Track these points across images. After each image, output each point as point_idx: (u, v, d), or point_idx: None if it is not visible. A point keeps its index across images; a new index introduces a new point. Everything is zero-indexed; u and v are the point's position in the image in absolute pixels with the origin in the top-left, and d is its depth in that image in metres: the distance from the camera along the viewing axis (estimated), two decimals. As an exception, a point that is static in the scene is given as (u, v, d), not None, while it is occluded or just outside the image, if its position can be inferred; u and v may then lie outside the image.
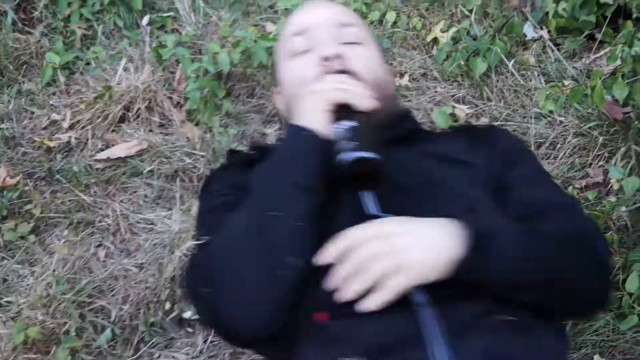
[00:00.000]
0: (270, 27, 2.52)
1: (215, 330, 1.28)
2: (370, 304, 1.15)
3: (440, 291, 1.17)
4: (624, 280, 1.70)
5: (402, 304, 1.16)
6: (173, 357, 1.78)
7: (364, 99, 1.32)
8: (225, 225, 1.26)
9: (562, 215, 1.35)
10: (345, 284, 1.16)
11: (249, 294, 1.18)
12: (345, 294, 1.16)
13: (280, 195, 1.23)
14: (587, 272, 1.29)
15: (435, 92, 2.32)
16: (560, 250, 1.27)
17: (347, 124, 1.25)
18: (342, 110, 1.28)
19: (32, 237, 2.01)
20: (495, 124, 2.19)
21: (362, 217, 1.24)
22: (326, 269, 1.19)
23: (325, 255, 1.19)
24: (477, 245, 1.18)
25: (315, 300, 1.21)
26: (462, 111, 2.22)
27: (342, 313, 1.17)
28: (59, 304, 1.82)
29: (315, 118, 1.28)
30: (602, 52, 2.29)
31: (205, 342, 1.78)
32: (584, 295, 1.30)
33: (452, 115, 2.21)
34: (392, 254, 1.16)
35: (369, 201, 1.30)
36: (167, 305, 1.89)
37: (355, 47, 1.51)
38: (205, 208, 1.49)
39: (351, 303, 1.16)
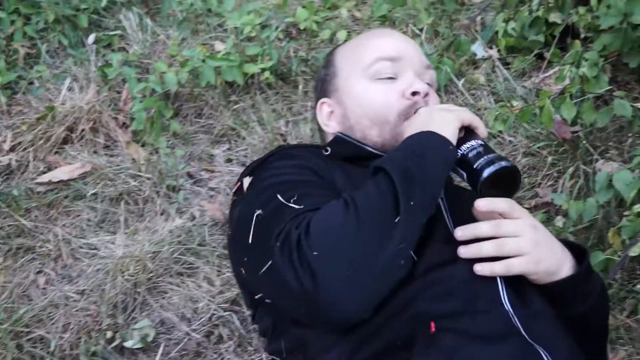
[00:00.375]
0: (219, 46, 2.48)
1: (301, 301, 1.17)
2: (486, 269, 1.23)
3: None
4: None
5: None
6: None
7: (482, 125, 1.38)
8: (356, 200, 1.19)
9: None
10: (479, 241, 1.24)
11: (366, 274, 1.14)
12: (473, 250, 1.24)
13: (417, 197, 1.19)
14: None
15: (386, 111, 2.29)
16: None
17: (477, 142, 1.31)
18: (465, 131, 1.35)
19: (-32, 265, 1.94)
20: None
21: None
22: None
23: (481, 204, 1.25)
24: (585, 272, 1.30)
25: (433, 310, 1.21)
26: (412, 131, 2.20)
27: (447, 327, 1.18)
28: (-4, 335, 1.76)
29: (448, 131, 1.29)
30: (550, 72, 2.29)
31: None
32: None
33: (403, 135, 2.19)
34: (533, 243, 1.25)
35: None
36: (109, 334, 1.83)
37: (432, 90, 1.55)
38: (296, 164, 1.40)
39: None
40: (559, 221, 1.90)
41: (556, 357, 1.16)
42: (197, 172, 2.21)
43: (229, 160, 2.24)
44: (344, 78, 1.57)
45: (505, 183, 1.28)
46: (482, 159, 1.27)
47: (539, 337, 1.18)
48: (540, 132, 2.12)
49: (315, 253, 1.13)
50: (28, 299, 1.91)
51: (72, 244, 2.02)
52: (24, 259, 1.99)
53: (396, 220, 1.15)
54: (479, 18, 2.47)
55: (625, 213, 1.71)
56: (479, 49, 2.37)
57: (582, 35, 2.28)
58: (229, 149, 2.27)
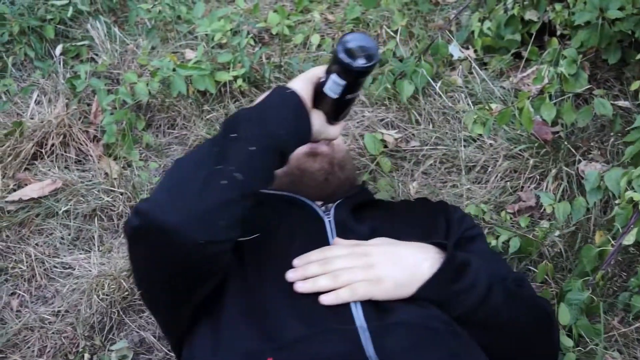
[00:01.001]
0: (189, 54, 2.43)
1: (152, 235, 1.24)
2: (331, 297, 1.26)
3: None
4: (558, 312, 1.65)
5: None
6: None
7: None
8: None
9: (529, 286, 1.50)
10: (311, 278, 1.29)
11: (184, 190, 1.21)
12: (309, 286, 1.28)
13: (242, 131, 1.26)
14: (541, 344, 1.43)
15: (363, 116, 2.25)
16: (527, 312, 1.40)
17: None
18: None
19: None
20: (425, 148, 2.14)
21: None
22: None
23: (300, 260, 1.32)
24: (453, 269, 1.30)
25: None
26: (392, 137, 2.16)
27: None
28: (-32, 362, 1.70)
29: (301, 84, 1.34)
30: (529, 71, 2.26)
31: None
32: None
33: (382, 140, 2.15)
34: (366, 267, 1.29)
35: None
36: (87, 357, 1.78)
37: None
38: None
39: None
40: (545, 224, 1.88)
41: None
42: (172, 184, 2.15)
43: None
44: None
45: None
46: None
47: (391, 351, 1.18)
48: (520, 134, 2.09)
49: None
50: (2, 322, 1.85)
51: (46, 263, 1.97)
52: (-5, 281, 1.93)
53: (216, 149, 1.24)
54: (453, 18, 2.43)
55: (616, 202, 1.70)
56: (455, 50, 2.34)
57: (559, 33, 2.25)
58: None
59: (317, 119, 1.36)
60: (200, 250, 1.20)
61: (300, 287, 1.29)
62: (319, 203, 1.56)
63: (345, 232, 1.44)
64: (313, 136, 1.36)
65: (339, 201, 1.56)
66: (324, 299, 1.26)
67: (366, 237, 1.42)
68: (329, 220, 1.48)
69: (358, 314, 1.25)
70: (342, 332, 1.22)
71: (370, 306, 1.27)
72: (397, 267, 1.30)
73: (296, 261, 1.33)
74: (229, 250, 1.27)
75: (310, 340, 1.20)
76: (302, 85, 1.34)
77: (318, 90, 1.35)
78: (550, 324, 1.44)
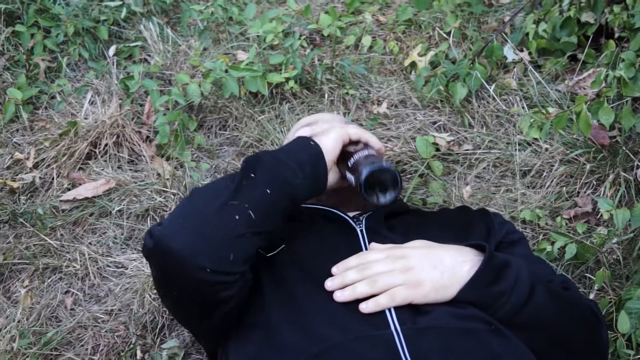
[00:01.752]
0: (241, 55, 2.43)
1: (152, 264, 1.36)
2: (371, 305, 1.26)
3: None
4: (617, 320, 1.62)
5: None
6: None
7: (374, 138, 1.55)
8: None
9: (575, 288, 1.47)
10: (350, 286, 1.29)
11: (196, 220, 1.27)
12: (348, 294, 1.28)
13: (259, 172, 1.34)
14: (590, 350, 1.39)
15: (415, 119, 2.24)
16: (573, 312, 1.37)
17: (366, 152, 1.48)
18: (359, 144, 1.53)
19: (-6, 287, 1.90)
20: (479, 151, 2.11)
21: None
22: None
23: (338, 268, 1.33)
24: (493, 270, 1.28)
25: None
26: (444, 140, 2.14)
27: None
28: (25, 359, 1.72)
29: (327, 141, 1.44)
30: (585, 74, 2.22)
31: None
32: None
33: (434, 144, 2.13)
34: (404, 270, 1.29)
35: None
36: (139, 354, 1.79)
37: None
38: None
39: None
40: (602, 231, 1.84)
41: None
42: (223, 185, 2.16)
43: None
44: None
45: (386, 184, 1.42)
46: (365, 163, 1.41)
47: (425, 355, 1.18)
48: (577, 138, 2.05)
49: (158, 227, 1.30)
50: (56, 320, 1.88)
51: (99, 262, 1.99)
52: (50, 279, 1.95)
53: (233, 185, 1.30)
54: (508, 20, 2.40)
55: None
56: (509, 52, 2.31)
57: (617, 35, 2.21)
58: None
59: (335, 175, 1.48)
60: (207, 278, 1.25)
61: (340, 296, 1.29)
62: (351, 214, 1.56)
63: (377, 239, 1.44)
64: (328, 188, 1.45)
65: (370, 212, 1.57)
66: (363, 308, 1.27)
67: (399, 242, 1.42)
68: (361, 230, 1.49)
69: (392, 317, 1.25)
70: (375, 338, 1.22)
71: (405, 309, 1.27)
72: (437, 270, 1.29)
73: (334, 269, 1.34)
74: (237, 282, 1.30)
75: (343, 347, 1.21)
76: (331, 143, 1.45)
77: (346, 153, 1.49)
78: (598, 324, 1.40)
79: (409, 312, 1.26)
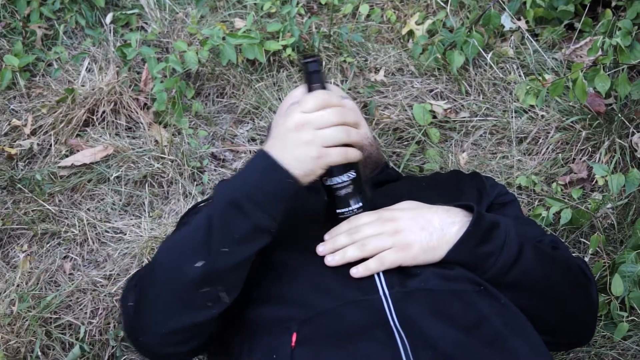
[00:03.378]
0: (239, 23, 2.43)
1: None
2: (361, 270, 1.26)
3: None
4: (611, 283, 1.64)
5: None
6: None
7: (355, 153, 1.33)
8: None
9: (565, 248, 1.47)
10: (340, 250, 1.29)
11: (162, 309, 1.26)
12: (338, 258, 1.29)
13: (240, 231, 1.24)
14: (581, 307, 1.40)
15: (412, 87, 2.24)
16: (562, 271, 1.37)
17: (346, 177, 1.33)
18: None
19: (-7, 252, 1.91)
20: (475, 119, 2.12)
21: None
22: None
23: (330, 234, 1.33)
24: (482, 230, 1.28)
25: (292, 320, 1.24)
26: (441, 107, 2.15)
27: (307, 335, 1.21)
28: (24, 322, 1.73)
29: (304, 168, 1.26)
30: (582, 42, 2.23)
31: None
32: (567, 328, 1.39)
33: (431, 111, 2.14)
34: (393, 232, 1.29)
35: None
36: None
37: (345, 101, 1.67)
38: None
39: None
40: (597, 196, 1.86)
41: (417, 341, 1.17)
42: (221, 152, 2.17)
43: (253, 140, 2.20)
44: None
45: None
46: (344, 195, 1.34)
47: (412, 318, 1.20)
48: (573, 105, 2.06)
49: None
50: (55, 284, 1.89)
51: (98, 228, 2.00)
52: (49, 245, 1.96)
53: (202, 262, 1.22)
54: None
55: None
56: (506, 21, 2.31)
57: (614, 4, 2.21)
58: (252, 128, 2.23)
59: None
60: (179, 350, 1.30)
61: (330, 261, 1.30)
62: None
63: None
64: None
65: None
66: (354, 272, 1.27)
67: (385, 204, 1.41)
68: None
69: (381, 281, 1.26)
70: (363, 303, 1.23)
71: (393, 272, 1.28)
72: (425, 231, 1.29)
73: (326, 235, 1.34)
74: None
75: (332, 313, 1.22)
76: (310, 179, 1.29)
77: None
78: (587, 282, 1.41)
79: (398, 275, 1.28)
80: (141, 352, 1.37)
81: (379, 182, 1.63)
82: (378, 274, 1.27)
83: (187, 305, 1.24)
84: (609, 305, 1.66)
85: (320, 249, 1.32)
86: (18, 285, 1.82)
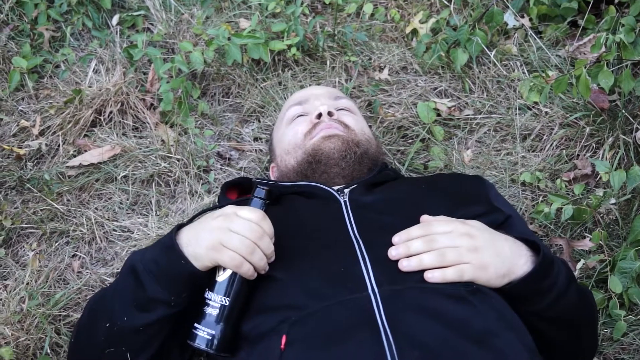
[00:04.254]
0: (244, 23, 2.45)
1: None
2: (437, 275, 1.29)
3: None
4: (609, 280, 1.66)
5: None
6: None
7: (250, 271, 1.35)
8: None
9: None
10: (417, 256, 1.31)
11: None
12: (414, 263, 1.30)
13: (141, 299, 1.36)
14: (590, 338, 1.49)
15: (416, 85, 2.26)
16: (588, 309, 1.47)
17: (218, 302, 1.35)
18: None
19: (2, 250, 1.93)
20: (479, 116, 2.14)
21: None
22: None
23: (400, 237, 1.34)
24: (542, 269, 1.31)
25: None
26: (445, 105, 2.16)
27: (296, 337, 1.25)
28: (34, 319, 1.75)
29: (197, 252, 1.33)
30: (585, 39, 2.23)
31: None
32: (583, 346, 1.48)
33: (435, 109, 2.15)
34: (472, 249, 1.31)
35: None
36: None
37: (347, 113, 1.79)
38: None
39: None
40: (600, 192, 1.87)
41: (403, 341, 1.18)
42: (226, 151, 2.19)
43: (258, 139, 2.22)
44: (274, 137, 1.90)
45: None
46: (207, 314, 1.35)
47: (398, 316, 1.22)
48: (576, 102, 2.07)
49: None
50: (64, 282, 1.91)
51: (105, 227, 2.01)
52: (58, 243, 1.98)
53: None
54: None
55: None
56: (510, 18, 2.32)
57: (617, 1, 2.22)
58: (258, 127, 2.24)
59: None
60: None
61: (406, 266, 1.31)
62: (336, 188, 1.59)
63: (357, 207, 1.47)
64: None
65: (354, 185, 1.59)
66: (430, 277, 1.29)
67: (380, 204, 1.46)
68: (344, 201, 1.51)
69: (370, 279, 1.28)
70: (352, 302, 1.25)
71: (383, 272, 1.30)
72: (500, 258, 1.32)
73: (396, 238, 1.35)
74: None
75: (321, 313, 1.25)
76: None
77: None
78: (597, 317, 1.51)
79: (387, 273, 1.30)
80: None
81: (376, 182, 1.64)
82: (368, 272, 1.29)
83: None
84: (608, 302, 1.67)
85: (394, 252, 1.33)
86: (27, 283, 1.84)
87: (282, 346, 1.24)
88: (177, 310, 1.36)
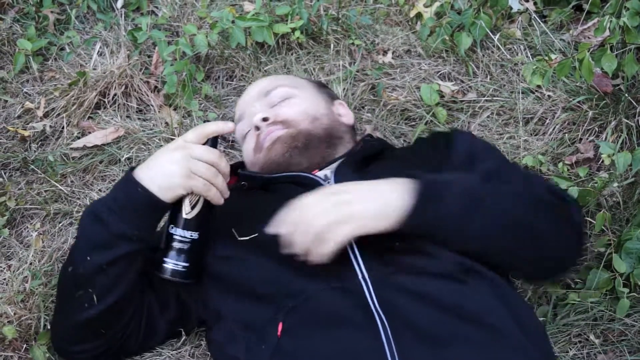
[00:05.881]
0: (248, 6, 2.45)
1: None
2: (316, 256, 1.26)
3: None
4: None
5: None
6: (156, 350, 1.71)
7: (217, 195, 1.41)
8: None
9: (531, 178, 1.45)
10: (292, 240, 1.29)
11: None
12: (292, 248, 1.29)
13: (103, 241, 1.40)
14: (556, 232, 1.36)
15: (420, 69, 2.25)
16: (526, 207, 1.34)
17: (183, 235, 1.42)
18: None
19: (6, 231, 1.94)
20: (482, 99, 2.14)
21: None
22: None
23: (275, 225, 1.31)
24: (426, 192, 1.28)
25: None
26: (448, 88, 2.16)
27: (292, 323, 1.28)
28: (36, 299, 1.76)
29: (167, 182, 1.37)
30: (590, 23, 2.23)
31: (188, 334, 1.71)
32: (550, 256, 1.38)
33: (439, 92, 2.15)
34: (337, 207, 1.27)
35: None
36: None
37: (283, 103, 1.73)
38: None
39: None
40: (603, 175, 1.87)
41: (398, 323, 1.20)
42: (230, 134, 2.19)
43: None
44: None
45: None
46: (177, 249, 1.42)
47: (390, 300, 1.22)
48: (580, 86, 2.07)
49: None
50: (68, 263, 1.92)
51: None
52: (61, 224, 1.99)
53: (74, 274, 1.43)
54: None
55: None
56: (514, 3, 2.31)
57: (622, -15, 2.21)
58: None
59: None
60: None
61: (286, 251, 1.31)
62: (320, 173, 1.59)
63: None
64: None
65: (337, 164, 1.57)
66: (310, 260, 1.29)
67: None
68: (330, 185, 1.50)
69: (359, 266, 1.29)
70: (344, 289, 1.27)
71: (372, 257, 1.30)
72: (368, 201, 1.28)
73: (272, 226, 1.35)
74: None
75: (317, 298, 1.27)
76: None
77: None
78: (561, 205, 1.40)
79: (376, 258, 1.30)
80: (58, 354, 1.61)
81: (361, 160, 1.62)
82: (356, 258, 1.30)
83: (70, 306, 1.45)
84: (613, 281, 1.67)
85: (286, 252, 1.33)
86: (31, 264, 1.85)
87: (279, 333, 1.26)
88: (140, 248, 1.41)
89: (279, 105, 1.73)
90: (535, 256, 1.36)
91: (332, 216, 1.26)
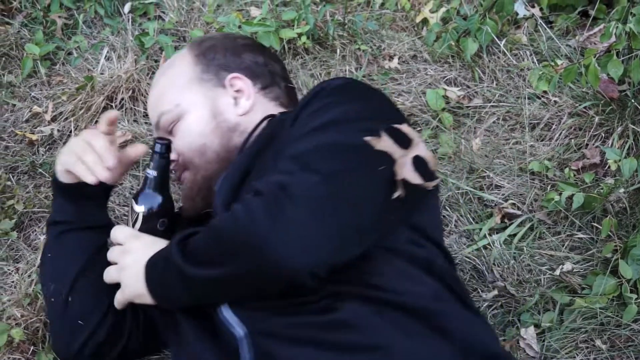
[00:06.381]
0: (254, 11, 2.46)
1: None
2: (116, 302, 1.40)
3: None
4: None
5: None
6: (162, 352, 1.72)
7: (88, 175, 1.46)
8: None
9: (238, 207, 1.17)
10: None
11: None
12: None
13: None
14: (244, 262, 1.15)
15: (426, 74, 2.26)
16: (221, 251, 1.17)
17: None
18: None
19: (14, 234, 1.95)
20: (488, 105, 2.14)
21: None
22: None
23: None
24: (151, 279, 1.28)
25: None
26: (454, 93, 2.17)
27: None
28: (43, 302, 1.77)
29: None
30: (596, 29, 2.24)
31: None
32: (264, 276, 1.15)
33: (445, 97, 2.16)
34: (120, 269, 1.35)
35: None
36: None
37: (175, 133, 1.59)
38: None
39: None
40: (609, 181, 1.87)
41: None
42: (236, 138, 2.20)
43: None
44: None
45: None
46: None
47: (271, 353, 1.16)
48: (586, 91, 2.08)
49: None
50: (74, 267, 1.93)
51: (116, 212, 2.03)
52: (69, 228, 2.00)
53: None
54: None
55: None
56: (520, 8, 2.32)
57: (628, -9, 2.22)
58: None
59: None
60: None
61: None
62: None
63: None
64: None
65: (221, 180, 1.41)
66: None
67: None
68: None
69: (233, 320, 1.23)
70: (220, 347, 1.24)
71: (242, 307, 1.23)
72: (130, 278, 1.32)
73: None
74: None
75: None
76: None
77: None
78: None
79: (247, 307, 1.22)
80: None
81: (243, 171, 1.38)
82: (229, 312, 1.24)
83: (50, 309, 1.55)
84: (620, 287, 1.67)
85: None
86: (38, 267, 1.85)
87: None
88: (63, 229, 1.53)
89: (172, 134, 1.59)
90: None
91: (115, 276, 1.37)
